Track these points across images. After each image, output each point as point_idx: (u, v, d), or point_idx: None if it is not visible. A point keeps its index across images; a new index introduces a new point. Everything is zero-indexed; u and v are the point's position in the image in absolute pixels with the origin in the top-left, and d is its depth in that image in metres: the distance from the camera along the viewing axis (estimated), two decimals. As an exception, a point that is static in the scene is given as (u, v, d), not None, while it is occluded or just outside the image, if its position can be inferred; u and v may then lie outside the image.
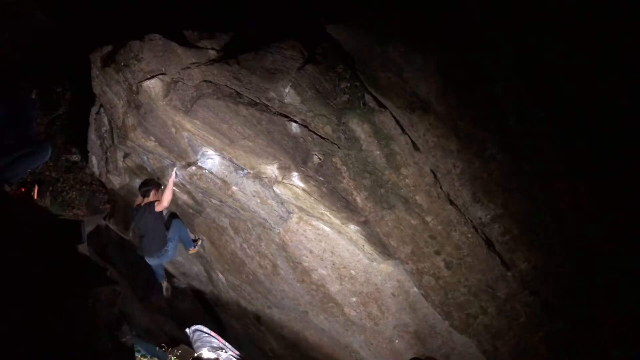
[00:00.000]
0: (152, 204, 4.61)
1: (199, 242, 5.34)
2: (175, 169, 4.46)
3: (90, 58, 4.22)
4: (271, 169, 4.02)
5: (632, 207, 3.59)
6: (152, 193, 4.69)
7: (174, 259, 6.09)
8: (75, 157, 6.38)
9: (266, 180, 4.14)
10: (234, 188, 4.27)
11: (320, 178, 3.82)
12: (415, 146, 3.65)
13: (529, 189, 3.65)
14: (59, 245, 3.05)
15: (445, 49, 3.47)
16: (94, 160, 5.76)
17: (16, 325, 2.03)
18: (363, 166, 3.69)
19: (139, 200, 4.84)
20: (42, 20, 5.39)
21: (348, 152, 3.67)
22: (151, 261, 5.02)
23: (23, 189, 4.51)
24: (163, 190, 4.63)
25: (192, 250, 5.33)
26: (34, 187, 4.65)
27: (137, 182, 5.33)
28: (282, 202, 4.24)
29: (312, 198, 3.99)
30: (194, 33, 4.13)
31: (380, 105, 3.62)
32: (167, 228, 4.94)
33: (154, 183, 4.76)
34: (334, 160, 3.69)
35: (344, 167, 3.70)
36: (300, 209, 4.18)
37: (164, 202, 4.48)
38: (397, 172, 3.69)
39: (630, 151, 3.49)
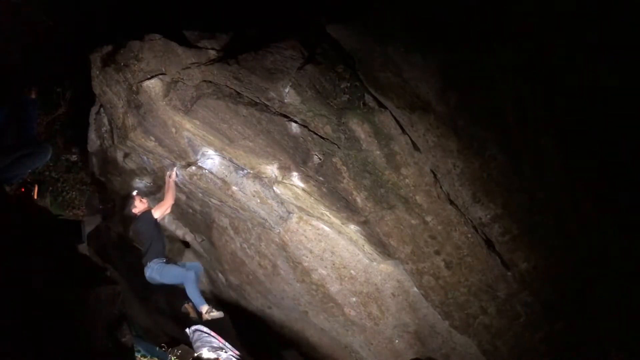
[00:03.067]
0: (144, 213, 4.46)
1: (211, 312, 4.53)
2: (175, 168, 4.45)
3: (90, 58, 4.22)
4: (271, 169, 4.02)
5: (632, 207, 3.60)
6: (135, 204, 4.54)
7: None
8: (75, 157, 6.38)
9: (266, 180, 4.14)
10: (234, 188, 4.27)
11: (320, 178, 3.82)
12: (415, 146, 3.65)
13: (529, 189, 3.65)
14: (59, 245, 3.05)
15: (445, 49, 3.48)
16: (94, 160, 5.76)
17: (16, 325, 2.03)
18: (363, 166, 3.69)
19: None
20: (42, 20, 5.39)
21: (348, 152, 3.67)
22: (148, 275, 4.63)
23: (23, 189, 4.50)
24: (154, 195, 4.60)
25: (204, 312, 4.47)
26: (34, 187, 4.64)
27: (137, 182, 5.32)
28: (282, 202, 4.24)
29: (312, 198, 3.99)
30: (194, 33, 4.13)
31: (380, 105, 3.62)
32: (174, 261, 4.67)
33: (128, 198, 4.69)
34: (334, 160, 3.69)
35: (344, 167, 3.70)
36: (300, 209, 4.18)
37: (168, 201, 4.40)
38: (397, 172, 3.69)
39: (630, 151, 3.49)
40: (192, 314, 4.69)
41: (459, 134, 3.58)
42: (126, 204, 4.68)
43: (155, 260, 4.45)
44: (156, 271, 4.46)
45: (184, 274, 4.55)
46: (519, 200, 3.67)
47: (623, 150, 3.51)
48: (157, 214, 4.44)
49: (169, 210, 4.62)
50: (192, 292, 4.52)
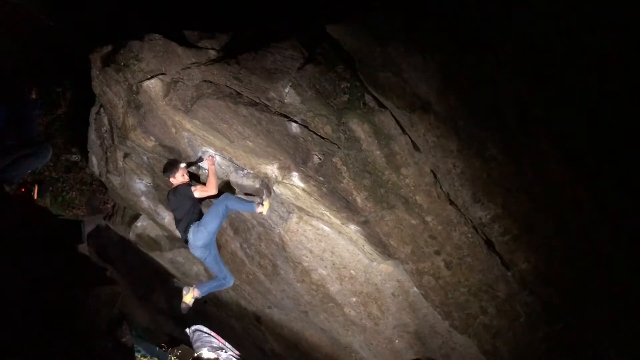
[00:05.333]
0: (181, 187, 4.19)
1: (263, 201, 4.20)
2: (213, 153, 4.14)
3: (90, 58, 4.21)
4: (271, 169, 4.02)
5: (632, 207, 3.60)
6: (175, 175, 4.22)
7: (174, 259, 6.10)
8: (75, 157, 6.39)
9: (266, 180, 4.14)
10: (234, 188, 4.27)
11: (320, 178, 3.82)
12: (415, 146, 3.65)
13: (529, 189, 3.66)
14: (59, 245, 3.05)
15: (446, 49, 3.47)
16: (94, 160, 5.76)
17: (16, 325, 2.03)
18: (363, 166, 3.69)
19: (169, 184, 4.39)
20: (42, 20, 5.40)
21: (348, 152, 3.67)
22: (194, 251, 4.42)
23: (23, 189, 4.51)
24: (188, 171, 4.29)
25: (261, 209, 4.20)
26: (34, 187, 4.64)
27: (137, 182, 5.32)
28: (282, 202, 4.24)
29: (312, 198, 3.99)
30: (194, 33, 4.12)
31: (380, 105, 3.62)
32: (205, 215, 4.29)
33: (173, 166, 4.26)
34: (334, 160, 3.69)
35: (344, 167, 3.70)
36: (300, 209, 4.18)
37: (210, 190, 4.08)
38: (397, 172, 3.69)
39: (630, 151, 3.49)
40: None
41: (459, 134, 3.57)
42: (168, 168, 4.28)
43: (193, 224, 4.19)
44: (197, 231, 4.18)
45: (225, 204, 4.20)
46: (519, 200, 3.67)
47: (623, 150, 3.51)
48: (196, 194, 4.18)
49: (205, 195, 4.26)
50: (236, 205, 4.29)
